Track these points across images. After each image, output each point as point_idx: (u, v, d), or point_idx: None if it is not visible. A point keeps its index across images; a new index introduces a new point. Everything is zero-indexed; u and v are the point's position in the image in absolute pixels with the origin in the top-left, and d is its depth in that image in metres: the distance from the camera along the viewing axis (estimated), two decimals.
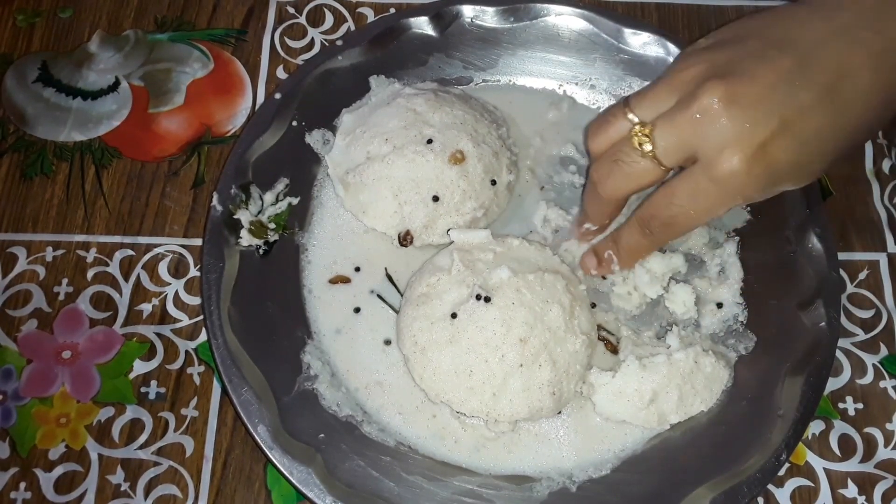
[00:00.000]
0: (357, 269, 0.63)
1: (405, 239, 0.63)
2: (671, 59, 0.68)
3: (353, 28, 0.74)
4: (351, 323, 0.62)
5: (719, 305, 0.62)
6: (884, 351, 0.63)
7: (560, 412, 0.58)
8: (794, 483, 0.59)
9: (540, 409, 0.56)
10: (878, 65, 0.49)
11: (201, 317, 0.62)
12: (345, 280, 0.63)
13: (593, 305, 0.62)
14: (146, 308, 0.63)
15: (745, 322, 0.62)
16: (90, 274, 0.64)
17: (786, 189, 0.51)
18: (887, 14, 0.50)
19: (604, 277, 0.62)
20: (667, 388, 0.57)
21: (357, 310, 0.62)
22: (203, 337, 0.62)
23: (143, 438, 0.59)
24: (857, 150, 0.70)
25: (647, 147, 0.50)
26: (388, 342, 0.61)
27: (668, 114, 0.50)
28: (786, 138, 0.48)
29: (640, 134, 0.51)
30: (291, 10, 0.75)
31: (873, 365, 0.63)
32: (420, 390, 0.58)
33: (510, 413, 0.56)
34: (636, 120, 0.51)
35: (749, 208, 0.65)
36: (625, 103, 0.53)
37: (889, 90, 0.50)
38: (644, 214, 0.54)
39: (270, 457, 0.54)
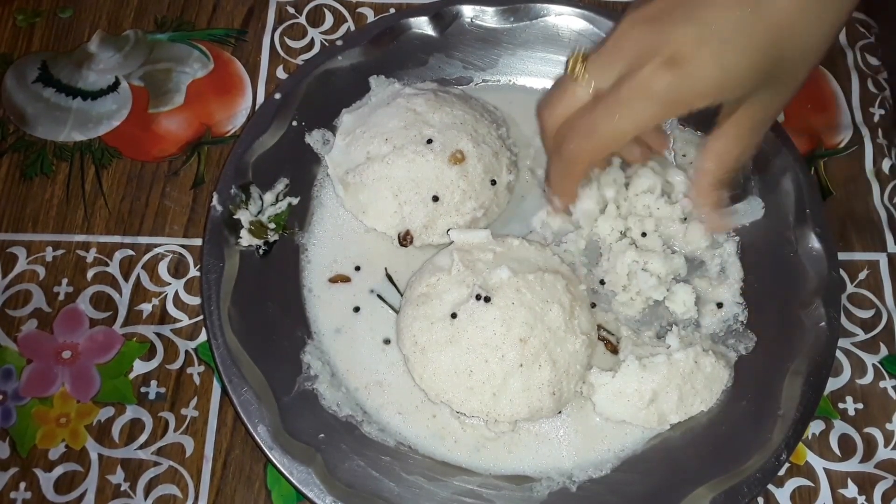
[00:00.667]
0: (357, 269, 0.63)
1: (405, 239, 0.63)
2: None
3: (353, 28, 0.74)
4: (351, 322, 0.62)
5: (719, 305, 0.62)
6: (884, 351, 0.63)
7: (560, 412, 0.58)
8: (794, 483, 0.59)
9: (540, 409, 0.56)
10: None
11: (201, 317, 0.62)
12: (345, 279, 0.63)
13: (593, 305, 0.62)
14: (146, 308, 0.63)
15: (745, 322, 0.62)
16: (90, 274, 0.64)
17: (737, 99, 0.52)
18: None
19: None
20: (667, 388, 0.57)
21: (357, 309, 0.62)
22: (203, 337, 0.62)
23: (143, 438, 0.59)
24: (854, 133, 0.71)
25: (579, 69, 0.53)
26: (387, 341, 0.61)
27: (598, 43, 0.54)
28: (701, 35, 0.49)
29: (573, 62, 0.54)
30: (291, 10, 0.75)
31: (873, 365, 0.63)
32: (420, 390, 0.58)
33: (510, 413, 0.56)
34: (573, 53, 0.54)
35: (762, 205, 0.65)
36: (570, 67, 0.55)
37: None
38: (561, 134, 0.55)
39: (270, 457, 0.54)
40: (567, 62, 0.55)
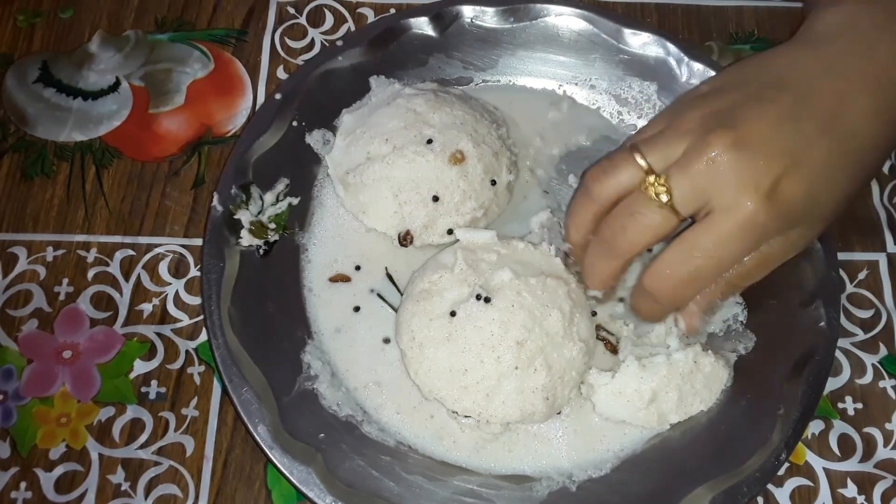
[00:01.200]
0: (357, 268, 0.63)
1: (405, 239, 0.63)
2: (671, 60, 0.68)
3: (353, 28, 0.74)
4: (351, 322, 0.62)
5: None
6: (883, 351, 0.63)
7: (554, 415, 0.58)
8: (793, 483, 0.59)
9: (532, 414, 0.56)
10: (874, 88, 0.50)
11: (201, 317, 0.62)
12: (345, 279, 0.63)
13: (594, 314, 0.62)
14: (146, 308, 0.63)
15: (744, 322, 0.62)
16: (90, 274, 0.64)
17: (805, 231, 0.52)
18: (875, 41, 0.52)
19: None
20: (666, 388, 0.57)
21: (357, 308, 0.62)
22: (203, 337, 0.62)
23: (143, 438, 0.59)
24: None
25: (665, 197, 0.50)
26: (386, 341, 0.61)
27: (680, 162, 0.50)
28: (797, 171, 0.49)
29: (655, 184, 0.50)
30: (292, 11, 0.75)
31: (873, 365, 0.63)
32: (417, 389, 0.58)
33: (502, 415, 0.56)
34: (646, 166, 0.51)
35: None
36: (631, 149, 0.52)
37: (889, 111, 0.51)
38: (652, 281, 0.52)
39: (271, 456, 0.55)
40: (636, 170, 0.50)
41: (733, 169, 0.48)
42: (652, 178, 0.50)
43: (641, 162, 0.51)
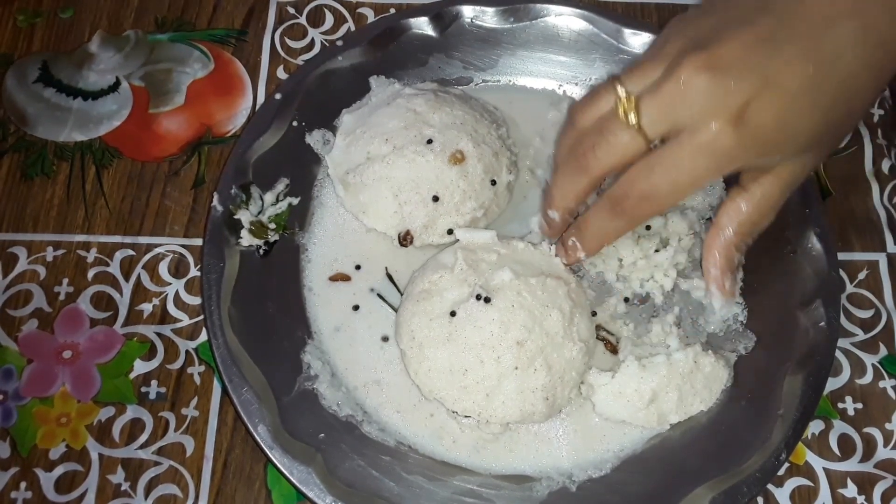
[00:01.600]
0: (358, 268, 0.63)
1: (405, 239, 0.63)
2: None
3: (353, 28, 0.74)
4: (350, 321, 0.62)
5: None
6: (883, 351, 0.63)
7: (554, 415, 0.58)
8: (793, 483, 0.59)
9: (532, 414, 0.56)
10: (861, 9, 0.48)
11: (201, 317, 0.62)
12: (345, 278, 0.63)
13: (594, 314, 0.62)
14: (146, 308, 0.63)
15: (744, 322, 0.62)
16: (91, 274, 0.64)
17: (789, 165, 0.50)
18: None
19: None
20: (666, 388, 0.57)
21: (356, 307, 0.62)
22: (203, 337, 0.62)
23: (143, 438, 0.59)
24: (854, 133, 0.69)
25: (633, 118, 0.49)
26: (385, 339, 0.61)
27: (653, 85, 0.50)
28: (769, 94, 0.47)
29: (625, 105, 0.50)
30: (291, 11, 0.75)
31: (873, 365, 0.63)
32: (416, 388, 0.58)
33: (502, 415, 0.56)
34: (622, 93, 0.50)
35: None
36: (613, 79, 0.52)
37: (878, 37, 0.48)
38: (616, 192, 0.52)
39: (271, 456, 0.55)
40: (613, 97, 0.51)
41: (701, 90, 0.47)
42: (623, 100, 0.50)
43: (619, 88, 0.50)
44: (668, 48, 0.50)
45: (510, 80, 0.71)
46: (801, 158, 0.50)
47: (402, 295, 0.62)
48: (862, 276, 0.66)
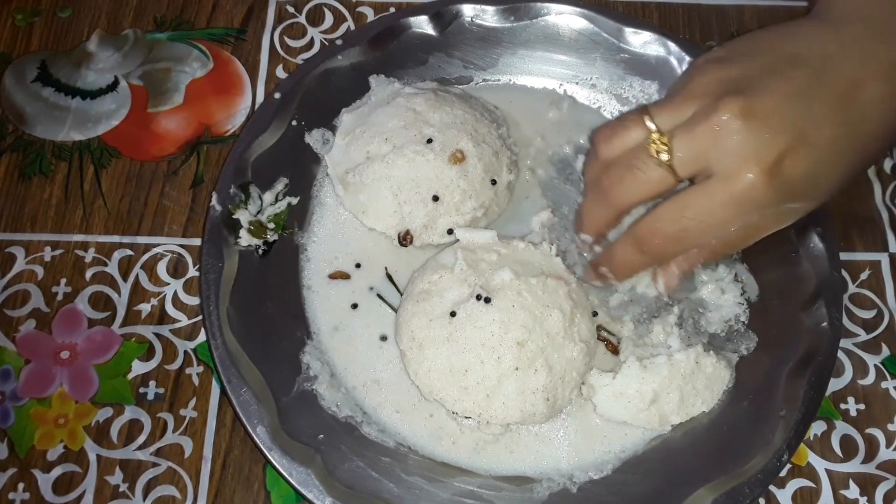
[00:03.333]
0: (358, 266, 0.63)
1: (405, 239, 0.62)
2: (672, 59, 0.68)
3: (352, 27, 0.74)
4: (348, 319, 0.61)
5: (723, 292, 0.62)
6: (885, 351, 0.63)
7: (555, 416, 0.58)
8: (795, 484, 0.59)
9: (533, 414, 0.56)
10: (890, 74, 0.50)
11: (200, 317, 0.62)
12: (344, 276, 0.63)
13: (595, 314, 0.61)
14: (145, 308, 0.63)
15: (746, 322, 0.62)
16: (89, 274, 0.64)
17: (799, 207, 0.51)
18: (895, 26, 0.51)
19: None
20: (668, 388, 0.57)
21: (354, 306, 0.62)
22: (202, 337, 0.62)
23: (141, 439, 0.59)
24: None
25: (665, 156, 0.50)
26: (384, 338, 0.61)
27: (686, 124, 0.50)
28: (802, 150, 0.48)
29: (657, 142, 0.50)
30: (291, 10, 0.75)
31: (875, 365, 0.62)
32: (416, 388, 0.58)
33: (503, 416, 0.56)
34: (654, 128, 0.51)
35: None
36: (642, 111, 0.52)
37: None
38: (643, 231, 0.53)
39: (269, 458, 0.54)
40: (643, 129, 0.51)
41: (738, 137, 0.48)
42: (655, 136, 0.50)
43: (649, 122, 0.51)
44: (697, 87, 0.51)
45: (510, 79, 0.71)
46: (810, 204, 0.52)
47: (401, 295, 0.62)
48: (864, 276, 0.66)
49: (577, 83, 0.70)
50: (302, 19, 0.75)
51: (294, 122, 0.66)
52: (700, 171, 0.50)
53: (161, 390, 0.60)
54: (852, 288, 0.65)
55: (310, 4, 0.75)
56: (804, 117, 0.48)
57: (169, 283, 0.64)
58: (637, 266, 0.56)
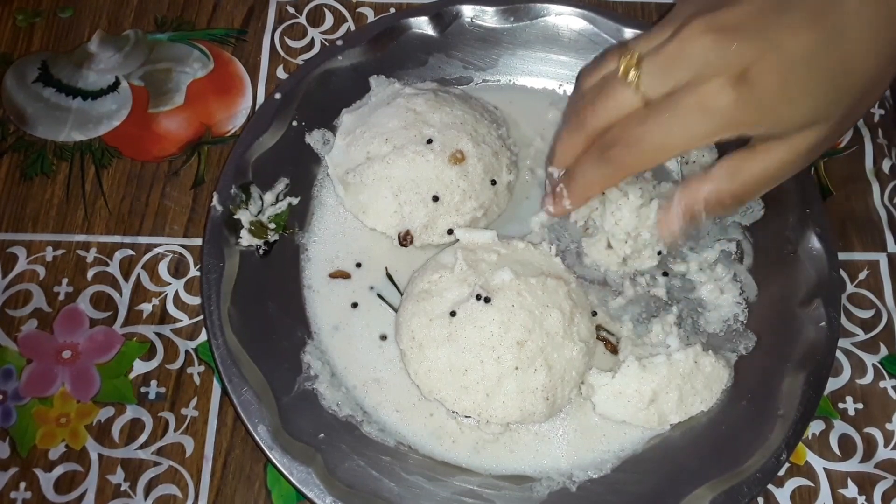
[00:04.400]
0: (358, 265, 0.63)
1: (405, 239, 0.63)
2: None
3: (353, 28, 0.74)
4: (348, 319, 0.62)
5: (722, 291, 0.62)
6: (884, 351, 0.63)
7: (555, 416, 0.58)
8: (794, 483, 0.59)
9: (532, 414, 0.56)
10: None
11: (201, 317, 0.62)
12: (345, 275, 0.63)
13: (594, 314, 0.62)
14: (146, 308, 0.63)
15: (745, 322, 0.62)
16: (90, 274, 0.64)
17: (784, 145, 0.49)
18: None
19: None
20: (667, 388, 0.57)
21: (354, 305, 0.62)
22: (203, 337, 0.62)
23: (143, 438, 0.59)
24: (854, 133, 0.69)
25: (633, 75, 0.49)
26: (383, 337, 0.61)
27: (656, 46, 0.50)
28: (773, 57, 0.46)
29: (628, 64, 0.50)
30: (291, 10, 0.75)
31: (873, 365, 0.63)
32: (416, 387, 0.58)
33: (502, 415, 0.56)
34: (627, 52, 0.50)
35: (762, 205, 0.65)
36: (621, 44, 0.52)
37: (888, 20, 0.47)
38: (606, 138, 0.52)
39: (270, 457, 0.55)
40: (618, 58, 0.51)
41: (703, 50, 0.47)
42: (625, 59, 0.50)
43: (625, 49, 0.51)
44: (675, 15, 0.50)
45: (510, 80, 0.71)
46: (805, 135, 0.49)
47: (401, 295, 0.62)
48: (862, 275, 0.66)
49: None
50: (302, 20, 0.75)
51: (294, 123, 0.66)
52: (671, 90, 0.49)
53: (162, 390, 0.60)
54: (851, 288, 0.65)
55: (310, 5, 0.76)
56: (778, 25, 0.47)
57: (170, 283, 0.64)
58: (595, 181, 0.54)
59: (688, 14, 0.49)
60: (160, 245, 0.65)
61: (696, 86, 0.47)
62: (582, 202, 0.57)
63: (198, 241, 0.65)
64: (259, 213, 0.63)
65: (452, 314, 0.56)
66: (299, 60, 0.73)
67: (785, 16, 0.47)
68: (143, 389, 0.60)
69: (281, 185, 0.65)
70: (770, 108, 0.48)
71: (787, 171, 0.52)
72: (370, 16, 0.75)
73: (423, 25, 0.70)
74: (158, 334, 0.62)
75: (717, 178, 0.52)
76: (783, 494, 0.58)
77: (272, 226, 0.63)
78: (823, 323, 0.59)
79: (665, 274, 0.63)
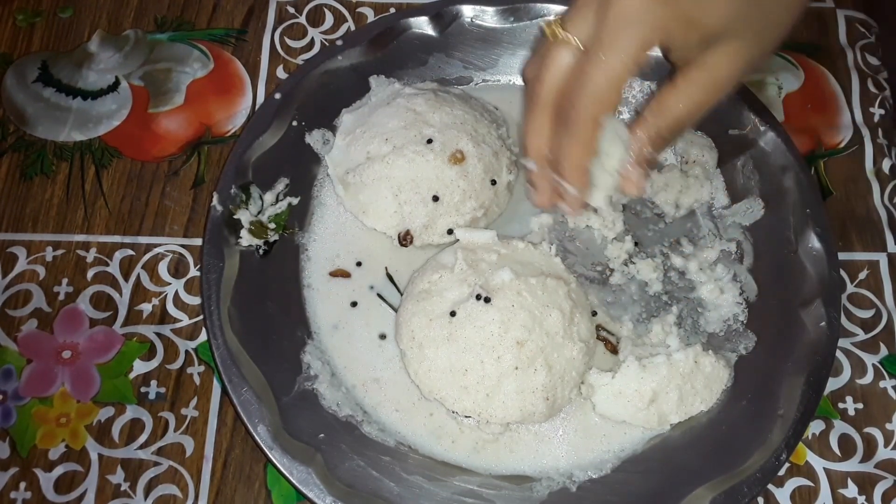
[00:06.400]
0: (359, 264, 0.63)
1: (405, 239, 0.63)
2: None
3: (353, 28, 0.74)
4: (347, 318, 0.62)
5: (722, 291, 0.63)
6: (884, 351, 0.63)
7: (554, 415, 0.58)
8: (794, 483, 0.59)
9: (532, 414, 0.56)
10: None
11: (201, 317, 0.62)
12: (345, 274, 0.63)
13: (594, 314, 0.62)
14: (146, 308, 0.63)
15: (745, 322, 0.62)
16: (90, 274, 0.64)
17: (716, 52, 0.49)
18: None
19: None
20: (667, 388, 0.57)
21: (354, 304, 0.62)
22: (203, 337, 0.62)
23: (143, 438, 0.59)
24: (854, 133, 0.69)
25: (559, 31, 0.50)
26: (383, 337, 0.61)
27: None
28: None
29: (552, 29, 0.50)
30: (291, 10, 0.75)
31: (873, 365, 0.63)
32: (416, 387, 0.58)
33: (502, 415, 0.56)
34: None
35: (762, 205, 0.65)
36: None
37: None
38: (563, 104, 0.51)
39: (270, 457, 0.55)
40: (545, 34, 0.51)
41: None
42: (549, 27, 0.50)
43: (556, 32, 0.50)
44: None
45: (510, 80, 0.71)
46: (730, 48, 0.49)
47: (401, 295, 0.62)
48: (862, 275, 0.66)
49: None
50: (302, 20, 0.75)
51: (294, 123, 0.66)
52: (598, 29, 0.48)
53: (162, 390, 0.60)
54: (851, 288, 0.65)
55: (310, 5, 0.76)
56: None
57: (170, 283, 0.64)
58: (578, 152, 0.52)
59: None
60: (160, 245, 0.65)
61: (609, 5, 0.47)
62: (584, 182, 0.54)
63: (198, 241, 0.65)
64: (259, 213, 0.63)
65: (452, 314, 0.56)
66: (299, 60, 0.73)
67: None
68: (143, 389, 0.60)
69: (281, 185, 0.65)
70: (685, 12, 0.47)
71: (710, 95, 0.51)
72: (370, 16, 0.75)
73: (423, 25, 0.70)
74: (158, 334, 0.62)
75: (649, 119, 0.52)
76: (783, 494, 0.58)
77: (272, 226, 0.63)
78: (823, 323, 0.59)
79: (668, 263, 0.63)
